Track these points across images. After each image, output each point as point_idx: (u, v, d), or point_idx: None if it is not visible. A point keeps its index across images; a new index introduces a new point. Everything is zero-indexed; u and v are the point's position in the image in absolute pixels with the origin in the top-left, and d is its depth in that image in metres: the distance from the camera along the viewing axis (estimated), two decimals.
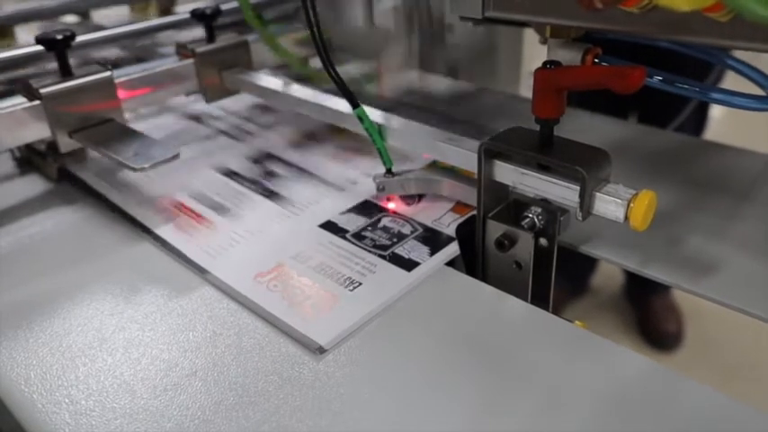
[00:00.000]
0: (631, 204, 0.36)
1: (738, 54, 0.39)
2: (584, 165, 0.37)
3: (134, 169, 0.48)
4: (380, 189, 0.50)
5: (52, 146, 0.54)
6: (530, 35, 0.75)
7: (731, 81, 0.48)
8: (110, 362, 0.37)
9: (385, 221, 0.48)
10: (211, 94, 0.63)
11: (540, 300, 0.44)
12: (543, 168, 0.40)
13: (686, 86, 0.39)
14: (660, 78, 0.40)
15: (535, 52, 0.41)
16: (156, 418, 0.33)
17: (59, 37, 0.52)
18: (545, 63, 0.38)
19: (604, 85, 0.35)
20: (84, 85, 0.53)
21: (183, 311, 0.41)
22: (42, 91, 0.50)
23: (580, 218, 0.38)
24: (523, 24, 0.62)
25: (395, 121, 0.50)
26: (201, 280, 0.43)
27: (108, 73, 0.54)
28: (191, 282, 0.43)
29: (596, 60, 0.41)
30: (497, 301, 0.41)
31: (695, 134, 1.15)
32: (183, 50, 0.62)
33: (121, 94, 0.55)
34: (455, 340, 0.38)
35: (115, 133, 0.53)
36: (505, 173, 0.42)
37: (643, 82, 0.34)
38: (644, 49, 0.47)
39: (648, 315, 1.38)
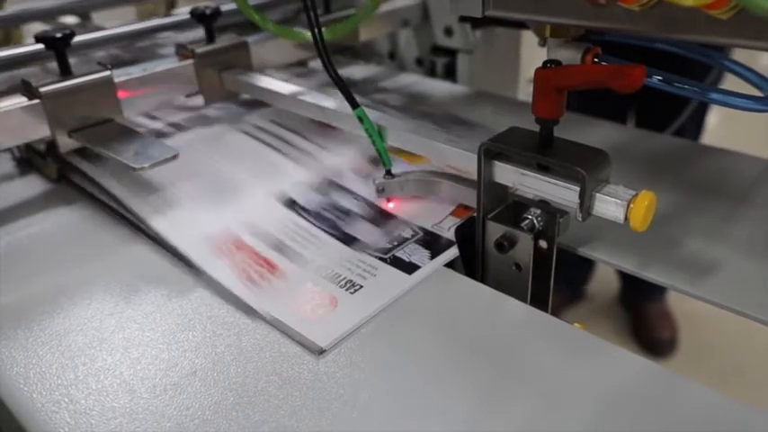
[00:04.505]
0: (631, 205, 0.36)
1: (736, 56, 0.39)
2: (583, 165, 0.37)
3: (134, 169, 0.48)
4: (380, 190, 0.50)
5: (52, 146, 0.54)
6: (527, 39, 0.75)
7: (729, 84, 0.48)
8: (109, 361, 0.37)
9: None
10: (210, 95, 0.63)
11: (539, 301, 0.44)
12: (543, 169, 0.40)
13: (685, 86, 0.39)
14: (659, 78, 0.40)
15: (533, 60, 0.41)
16: (156, 418, 0.33)
17: (59, 35, 0.52)
18: (545, 62, 0.38)
19: (604, 84, 0.35)
20: (84, 85, 0.53)
21: (182, 311, 0.41)
22: (42, 90, 0.50)
23: (580, 218, 0.38)
24: (522, 25, 0.62)
25: (394, 122, 0.50)
26: (201, 280, 0.43)
27: (107, 72, 0.54)
28: (190, 282, 0.43)
29: (596, 60, 0.41)
30: (496, 303, 0.41)
31: (693, 138, 1.16)
32: (182, 51, 0.62)
33: (121, 94, 0.55)
34: (454, 341, 0.38)
35: (115, 133, 0.53)
36: (505, 173, 0.42)
37: (643, 81, 0.34)
38: (642, 53, 0.47)
39: (643, 322, 1.38)
